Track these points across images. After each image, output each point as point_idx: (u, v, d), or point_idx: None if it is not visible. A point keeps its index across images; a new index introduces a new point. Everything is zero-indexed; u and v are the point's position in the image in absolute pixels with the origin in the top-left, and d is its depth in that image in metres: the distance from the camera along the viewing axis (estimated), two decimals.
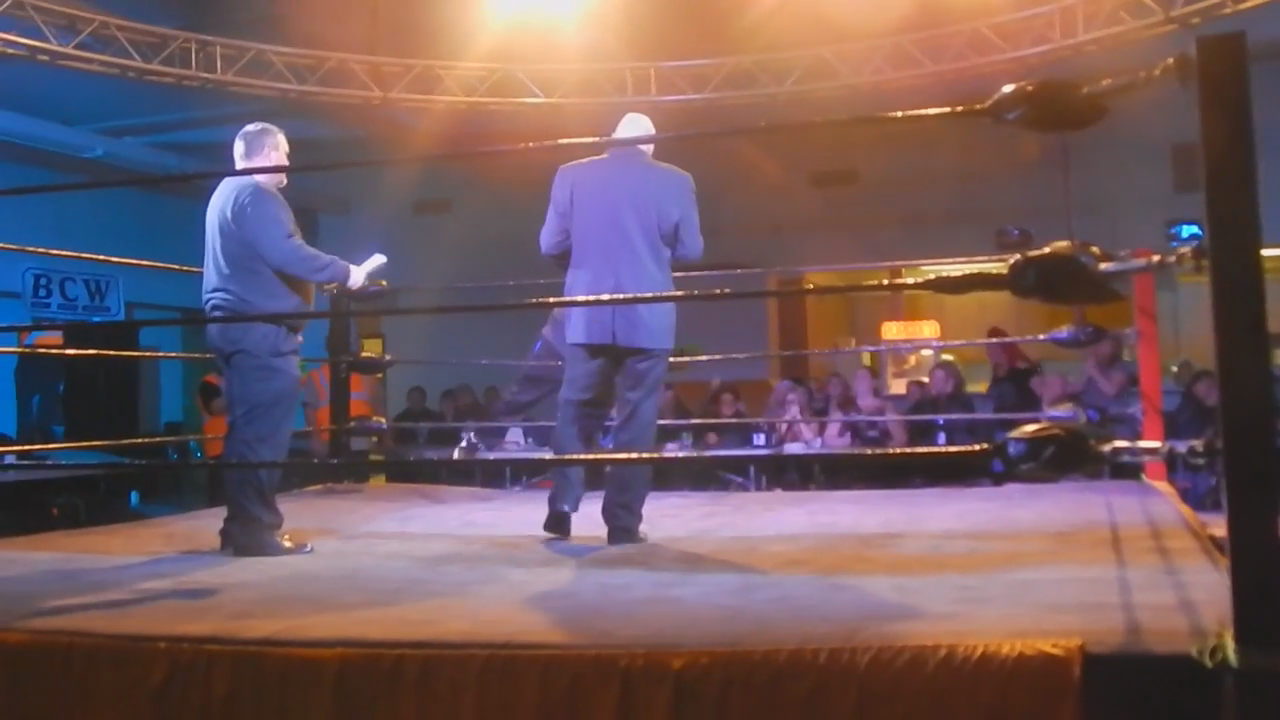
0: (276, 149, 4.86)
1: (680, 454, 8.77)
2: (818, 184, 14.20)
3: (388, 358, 8.80)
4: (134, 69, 9.96)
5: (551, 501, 4.91)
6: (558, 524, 4.85)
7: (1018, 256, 2.65)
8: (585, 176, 4.84)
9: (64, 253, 6.48)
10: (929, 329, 14.94)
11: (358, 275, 5.08)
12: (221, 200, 4.72)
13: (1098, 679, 2.28)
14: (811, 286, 13.12)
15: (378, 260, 5.31)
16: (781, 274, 12.55)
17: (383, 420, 8.82)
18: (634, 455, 4.71)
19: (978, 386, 11.14)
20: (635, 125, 4.96)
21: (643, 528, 4.73)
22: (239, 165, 4.84)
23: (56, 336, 11.44)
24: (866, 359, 14.52)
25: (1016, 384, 9.55)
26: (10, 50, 9.31)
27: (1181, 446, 2.56)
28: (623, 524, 4.67)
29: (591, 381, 4.86)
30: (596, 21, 9.76)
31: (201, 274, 4.87)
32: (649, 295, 4.66)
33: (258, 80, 10.52)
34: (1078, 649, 2.31)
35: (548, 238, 4.93)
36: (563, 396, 4.98)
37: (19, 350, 9.35)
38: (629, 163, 4.85)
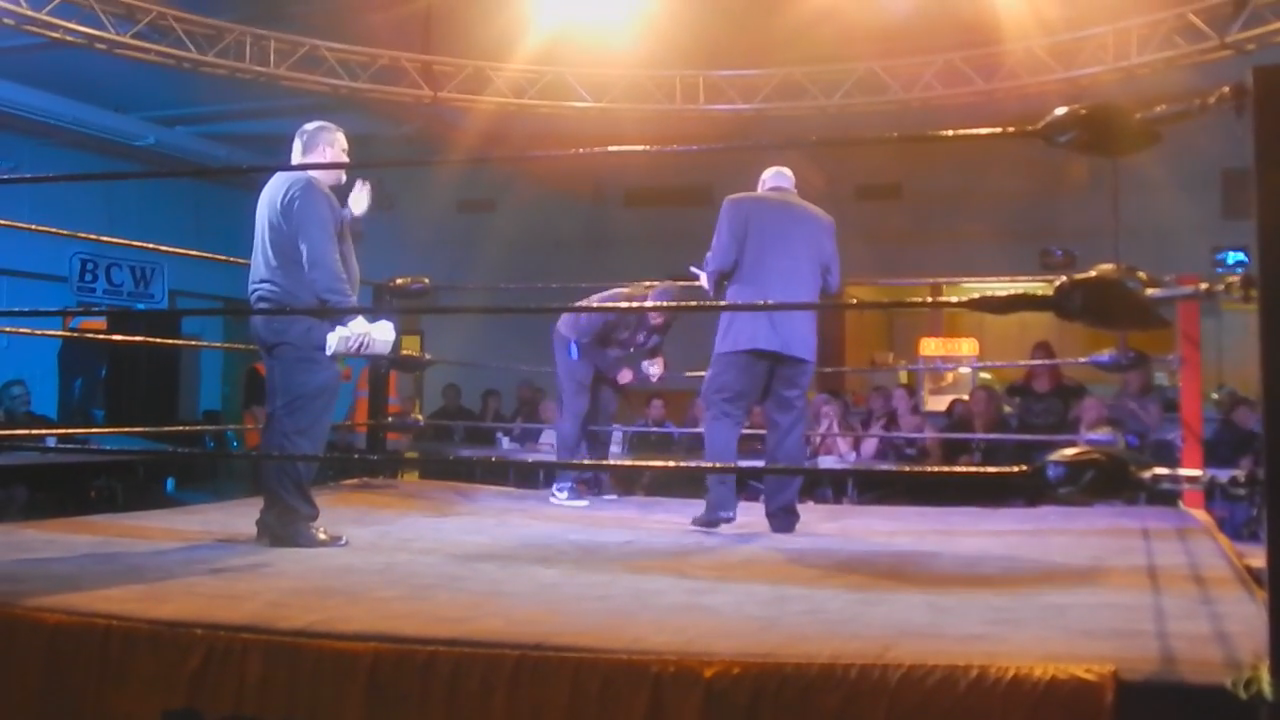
0: (332, 146, 4.88)
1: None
2: (862, 197, 14.17)
3: (427, 357, 8.84)
4: (189, 60, 10.07)
5: (717, 508, 5.34)
6: (713, 526, 5.34)
7: (1064, 278, 2.64)
8: (760, 209, 5.54)
9: (111, 239, 6.54)
10: (968, 346, 14.85)
11: (354, 326, 4.61)
12: (272, 192, 4.75)
13: (1130, 707, 2.27)
14: (855, 301, 13.08)
15: (386, 331, 4.70)
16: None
17: (419, 418, 8.86)
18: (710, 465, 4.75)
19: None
20: (783, 173, 5.74)
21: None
22: (295, 160, 4.87)
23: (100, 321, 11.58)
24: (904, 375, 14.45)
25: (1064, 401, 9.48)
26: (70, 38, 9.45)
27: (1223, 476, 2.54)
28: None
29: (754, 385, 5.46)
30: (647, 27, 9.78)
31: (246, 264, 4.91)
32: (687, 305, 4.73)
33: (310, 75, 10.61)
34: (1111, 675, 2.29)
35: (725, 257, 5.46)
36: (717, 401, 5.47)
37: (63, 334, 9.45)
38: (793, 201, 5.63)
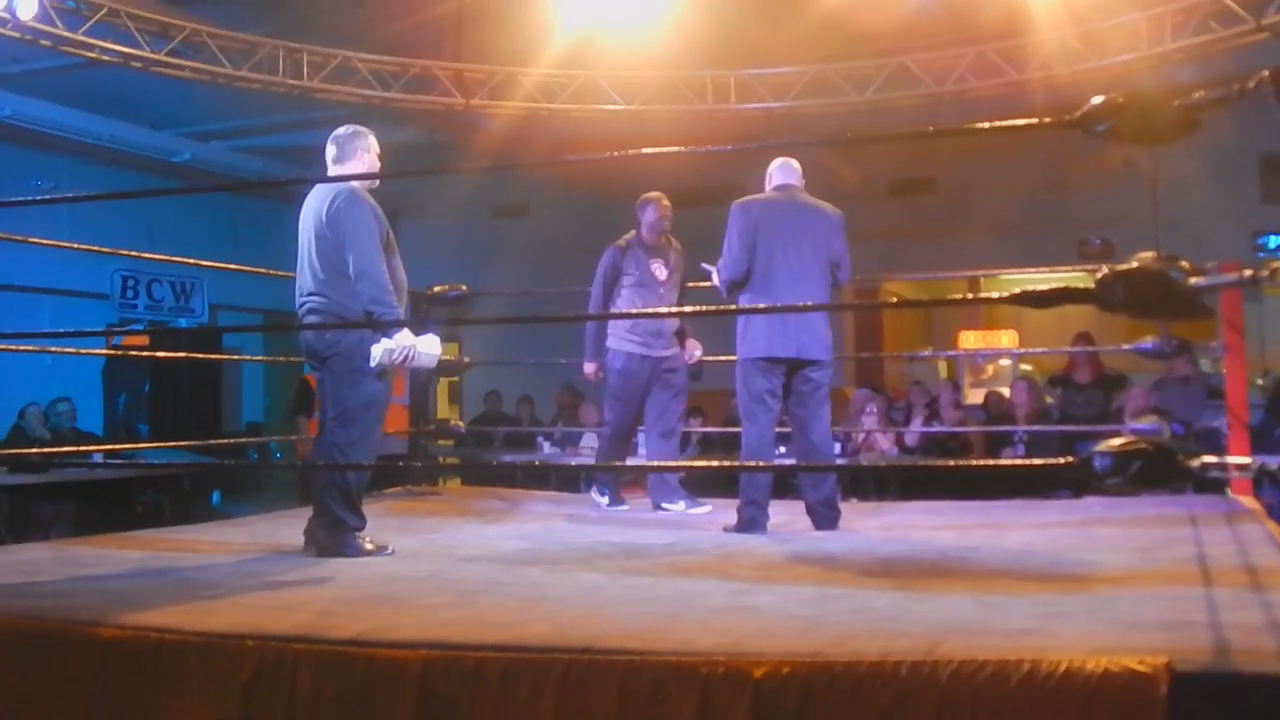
0: (369, 151, 4.86)
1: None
2: (896, 193, 14.13)
3: (465, 360, 8.88)
4: (223, 75, 10.16)
5: (753, 523, 5.34)
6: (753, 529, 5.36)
7: (1105, 270, 2.61)
8: (767, 212, 5.54)
9: (151, 255, 6.61)
10: (1007, 338, 14.78)
11: (400, 339, 4.59)
12: (315, 204, 4.74)
13: (1184, 698, 2.25)
14: (895, 300, 13.03)
15: (432, 345, 4.75)
16: (860, 283, 12.48)
17: (460, 424, 8.90)
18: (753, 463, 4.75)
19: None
20: (790, 166, 5.68)
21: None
22: (331, 169, 4.85)
23: (142, 337, 11.69)
24: (943, 369, 14.38)
25: (1106, 392, 9.38)
26: (106, 58, 9.55)
27: (1271, 462, 2.52)
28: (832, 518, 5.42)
29: (776, 384, 5.48)
30: (676, 28, 9.77)
31: (286, 276, 4.92)
32: (705, 308, 4.71)
33: (343, 86, 10.68)
34: (1164, 667, 2.28)
35: (736, 267, 5.50)
36: (745, 400, 5.53)
37: (107, 353, 9.56)
38: (799, 199, 5.61)
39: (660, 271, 6.54)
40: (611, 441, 6.75)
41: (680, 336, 6.71)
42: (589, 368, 6.76)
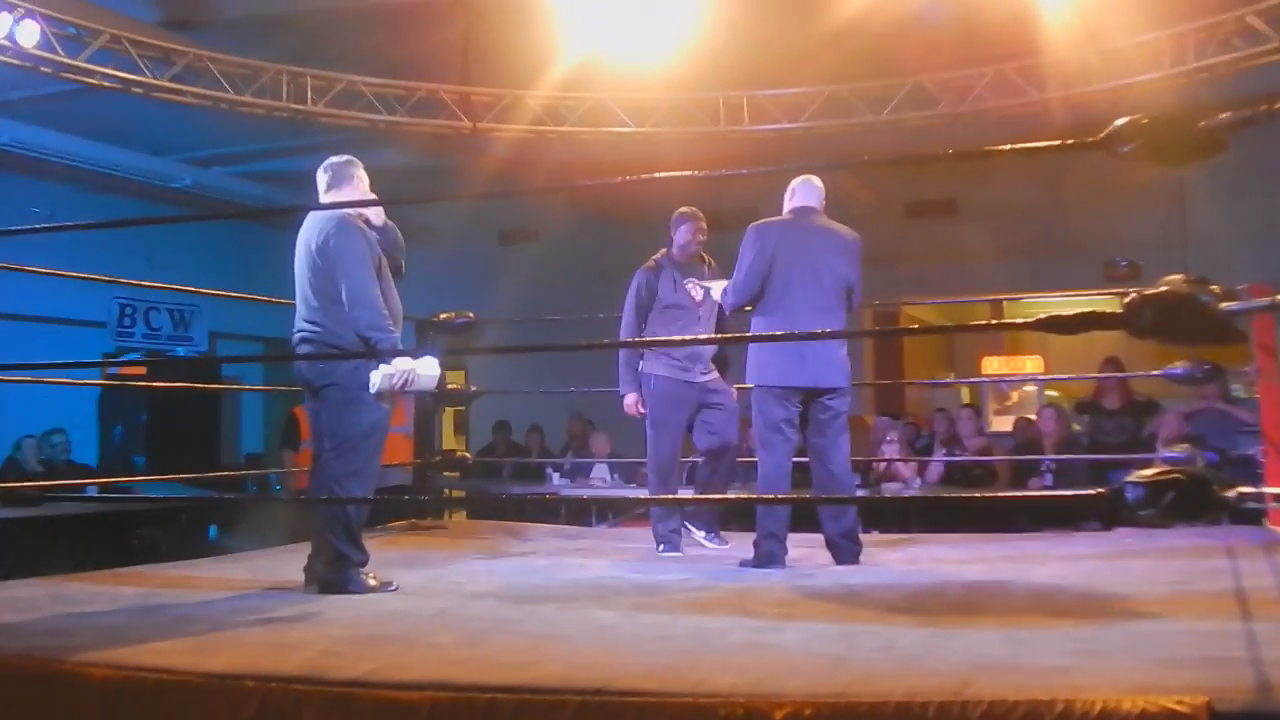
0: (363, 180, 4.94)
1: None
2: (913, 214, 14.10)
3: (472, 389, 8.86)
4: (226, 100, 10.20)
5: (771, 558, 5.32)
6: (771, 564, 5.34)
7: (1134, 294, 2.60)
8: (784, 235, 5.56)
9: (150, 284, 6.60)
10: (1032, 364, 14.72)
11: (397, 364, 4.63)
12: (308, 233, 4.80)
13: None
14: (916, 325, 12.99)
15: (430, 366, 4.78)
16: (879, 308, 12.46)
17: (467, 455, 8.88)
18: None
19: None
20: (811, 185, 5.68)
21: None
22: (323, 196, 4.91)
23: (139, 366, 11.69)
24: (966, 395, 14.33)
25: (1136, 418, 9.33)
26: (107, 84, 9.60)
27: None
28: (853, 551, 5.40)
29: (793, 412, 5.48)
30: (686, 49, 9.78)
31: (287, 304, 4.94)
32: (729, 335, 4.69)
33: (347, 111, 10.71)
34: (1204, 706, 2.25)
35: (746, 290, 5.55)
36: (760, 428, 5.51)
37: (103, 384, 9.55)
38: (816, 223, 5.63)
39: (697, 292, 6.25)
40: (656, 475, 6.26)
41: (721, 366, 6.46)
42: (629, 400, 6.39)
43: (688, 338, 6.33)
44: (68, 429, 10.52)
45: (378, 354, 4.61)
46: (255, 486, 13.49)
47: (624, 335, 6.35)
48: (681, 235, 6.37)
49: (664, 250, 6.44)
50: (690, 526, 6.31)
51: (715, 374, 6.35)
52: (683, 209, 6.43)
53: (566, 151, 11.77)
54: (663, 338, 6.27)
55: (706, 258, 6.49)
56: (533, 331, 11.74)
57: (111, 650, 3.19)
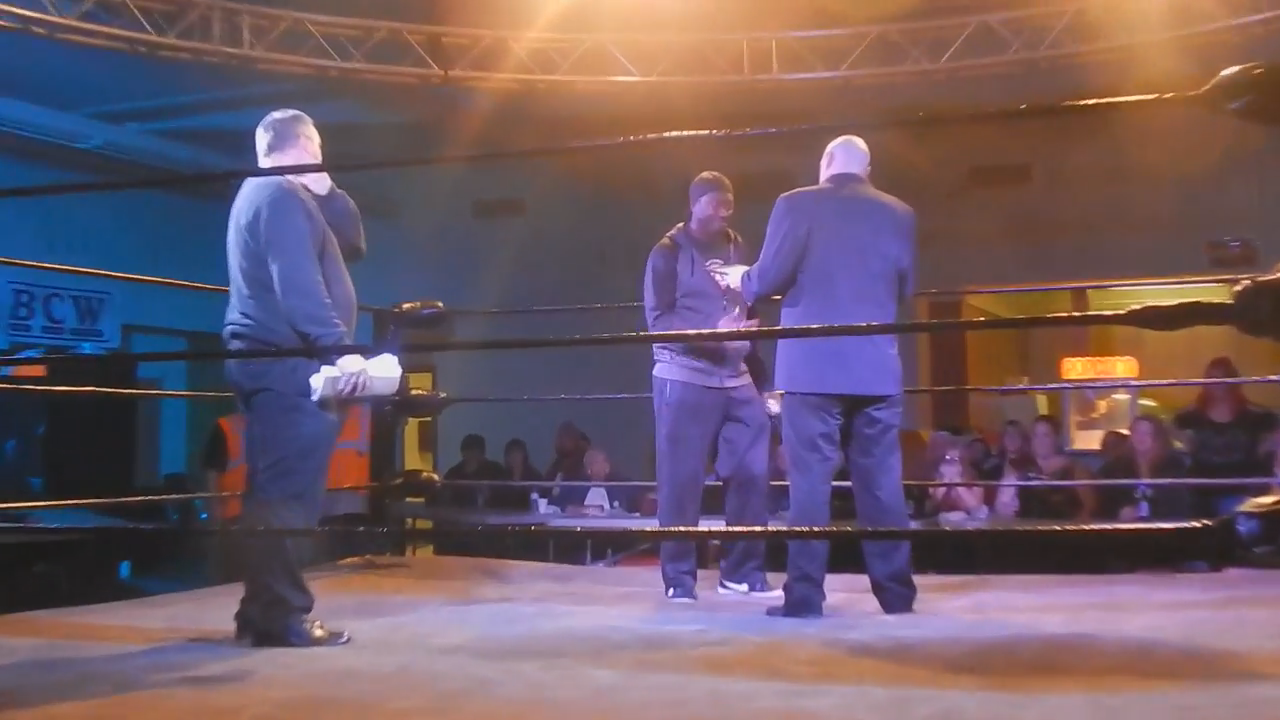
0: (312, 140, 4.90)
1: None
2: (980, 182, 14.09)
3: (441, 395, 8.84)
4: (145, 43, 10.17)
5: (805, 604, 5.26)
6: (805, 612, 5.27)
7: (1246, 281, 2.59)
8: (821, 208, 5.48)
9: (48, 265, 6.60)
10: (1123, 367, 14.70)
11: (345, 365, 4.60)
12: (239, 205, 4.76)
13: None
14: (983, 319, 12.98)
15: (388, 367, 4.75)
16: (936, 297, 12.44)
17: (434, 476, 8.88)
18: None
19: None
20: (853, 147, 5.59)
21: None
22: (262, 159, 4.87)
23: (38, 366, 11.68)
24: (1043, 405, 14.30)
25: (1250, 434, 9.30)
26: (3, 23, 9.53)
27: None
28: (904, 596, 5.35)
29: (833, 425, 5.40)
30: None
31: (214, 291, 4.92)
32: (751, 330, 4.68)
33: (292, 55, 10.70)
34: None
35: (775, 276, 5.47)
36: (793, 445, 5.44)
37: None
38: (861, 193, 5.53)
39: (722, 277, 6.04)
40: (670, 502, 6.12)
41: (754, 367, 6.29)
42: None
43: (705, 332, 6.08)
44: None
45: (319, 352, 4.55)
46: (177, 514, 13.50)
47: (652, 326, 6.19)
48: (702, 207, 6.24)
49: (680, 226, 6.32)
50: (730, 585, 6.14)
51: (747, 378, 6.24)
52: (704, 174, 6.29)
53: (558, 106, 11.77)
54: (678, 332, 6.14)
55: (732, 234, 6.36)
56: (516, 325, 11.73)
57: (1, 714, 3.18)
